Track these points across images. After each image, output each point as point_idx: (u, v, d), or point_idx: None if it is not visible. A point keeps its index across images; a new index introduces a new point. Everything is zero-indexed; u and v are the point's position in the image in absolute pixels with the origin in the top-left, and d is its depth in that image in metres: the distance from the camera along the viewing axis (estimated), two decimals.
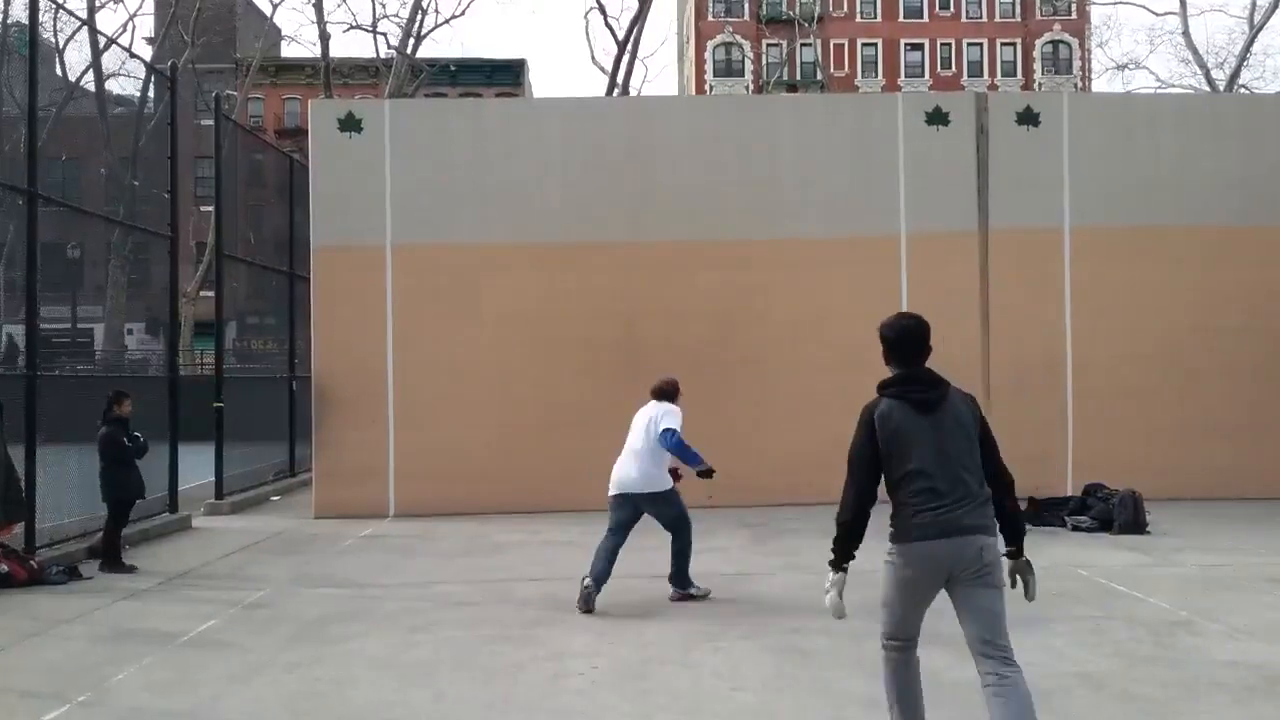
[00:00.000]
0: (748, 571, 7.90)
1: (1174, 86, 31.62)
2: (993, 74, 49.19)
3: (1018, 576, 3.80)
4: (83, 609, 7.04)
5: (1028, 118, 11.88)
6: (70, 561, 8.32)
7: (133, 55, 15.40)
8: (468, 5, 59.42)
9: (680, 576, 7.01)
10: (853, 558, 3.90)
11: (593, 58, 49.42)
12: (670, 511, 6.96)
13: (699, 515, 10.55)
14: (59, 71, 23.80)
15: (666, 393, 7.15)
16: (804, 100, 25.61)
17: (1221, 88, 28.14)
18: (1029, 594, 3.84)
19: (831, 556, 3.93)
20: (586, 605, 6.62)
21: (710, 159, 11.72)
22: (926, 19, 49.54)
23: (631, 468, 6.99)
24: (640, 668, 5.48)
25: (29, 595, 7.46)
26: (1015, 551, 3.82)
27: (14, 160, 9.93)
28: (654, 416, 6.97)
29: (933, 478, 3.69)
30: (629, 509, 6.98)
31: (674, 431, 6.81)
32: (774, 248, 11.54)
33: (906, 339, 4.00)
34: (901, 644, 4.02)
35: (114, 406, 8.52)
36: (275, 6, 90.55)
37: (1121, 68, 38.44)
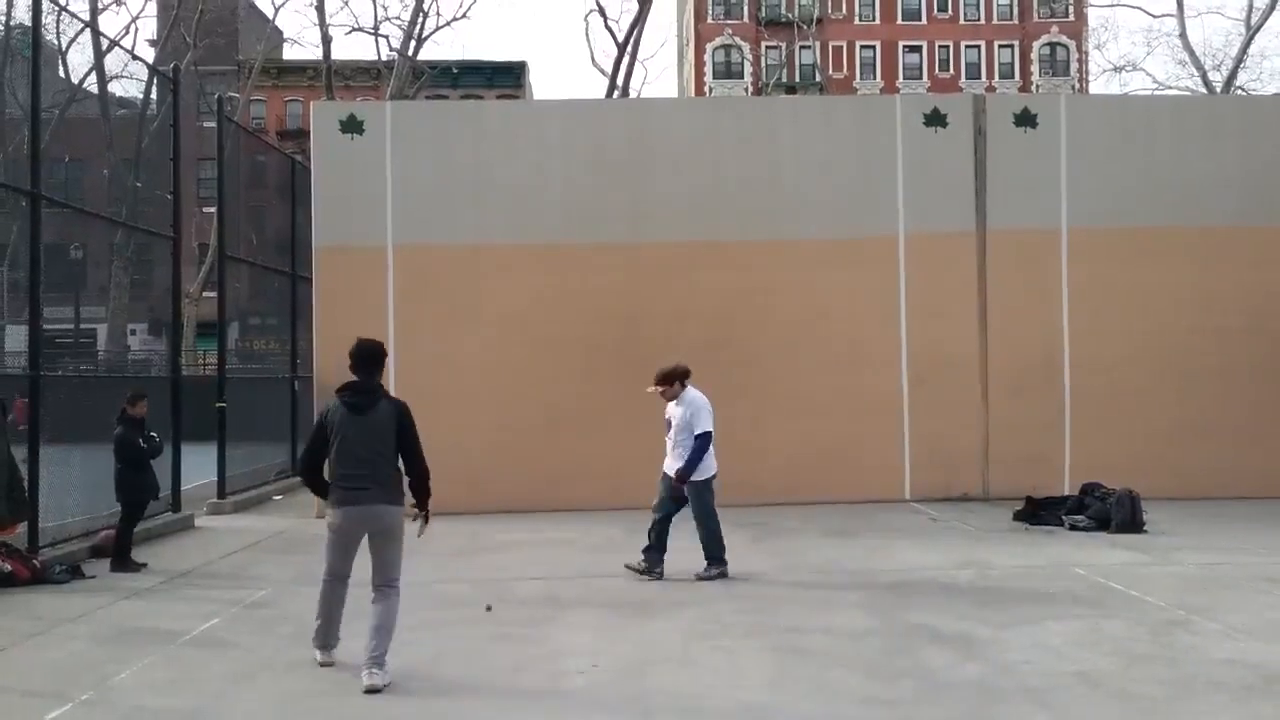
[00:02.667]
0: (747, 571, 7.92)
1: (1171, 88, 31.64)
2: (990, 76, 49.20)
3: None
4: (85, 608, 7.05)
5: (1025, 119, 11.91)
6: (73, 561, 8.34)
7: (135, 57, 15.41)
8: (469, 8, 59.44)
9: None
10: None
11: (593, 60, 49.57)
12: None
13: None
14: (62, 73, 23.85)
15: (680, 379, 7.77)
16: (803, 102, 25.66)
17: (1219, 89, 28.16)
18: None
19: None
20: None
21: (710, 160, 11.75)
22: (925, 21, 49.56)
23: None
24: (640, 666, 5.50)
25: (32, 594, 7.48)
26: None
27: (17, 162, 9.96)
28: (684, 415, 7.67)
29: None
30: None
31: (709, 434, 7.58)
32: (773, 249, 11.57)
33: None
34: None
35: (129, 407, 8.53)
36: (278, 9, 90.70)
37: (1119, 69, 38.32)
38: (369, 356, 5.58)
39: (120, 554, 8.39)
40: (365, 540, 5.40)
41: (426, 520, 5.52)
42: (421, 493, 5.52)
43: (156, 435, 8.70)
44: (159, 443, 8.71)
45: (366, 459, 5.32)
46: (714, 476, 7.70)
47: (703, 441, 7.50)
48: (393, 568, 5.40)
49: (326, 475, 5.45)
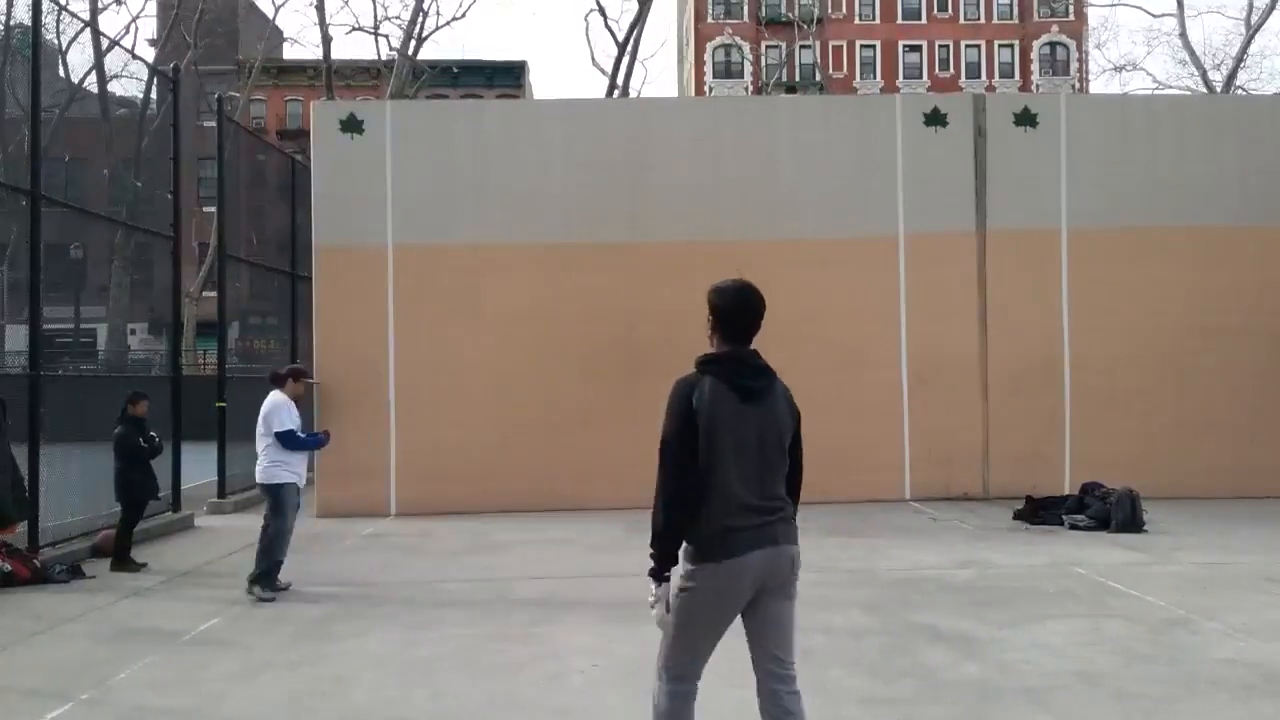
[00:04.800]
0: None
1: (1171, 88, 31.65)
2: (990, 75, 49.19)
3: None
4: (85, 608, 7.06)
5: (1025, 119, 11.92)
6: (73, 560, 8.35)
7: (135, 57, 15.41)
8: (469, 7, 59.38)
9: None
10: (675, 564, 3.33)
11: (593, 60, 49.50)
12: None
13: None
14: (62, 73, 23.85)
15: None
16: (803, 102, 25.63)
17: (1219, 89, 28.16)
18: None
19: (654, 566, 3.29)
20: None
21: (710, 160, 11.76)
22: (925, 21, 49.56)
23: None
24: (641, 666, 5.47)
25: (32, 594, 7.49)
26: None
27: (17, 161, 9.96)
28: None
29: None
30: None
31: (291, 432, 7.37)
32: (773, 248, 11.57)
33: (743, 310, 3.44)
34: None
35: (130, 407, 8.54)
36: (278, 8, 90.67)
37: (1119, 69, 38.39)
38: (756, 309, 3.45)
39: (120, 554, 8.39)
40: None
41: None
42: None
43: (156, 435, 8.71)
44: (159, 443, 8.72)
45: (770, 475, 3.35)
46: None
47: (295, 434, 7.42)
48: (792, 642, 3.54)
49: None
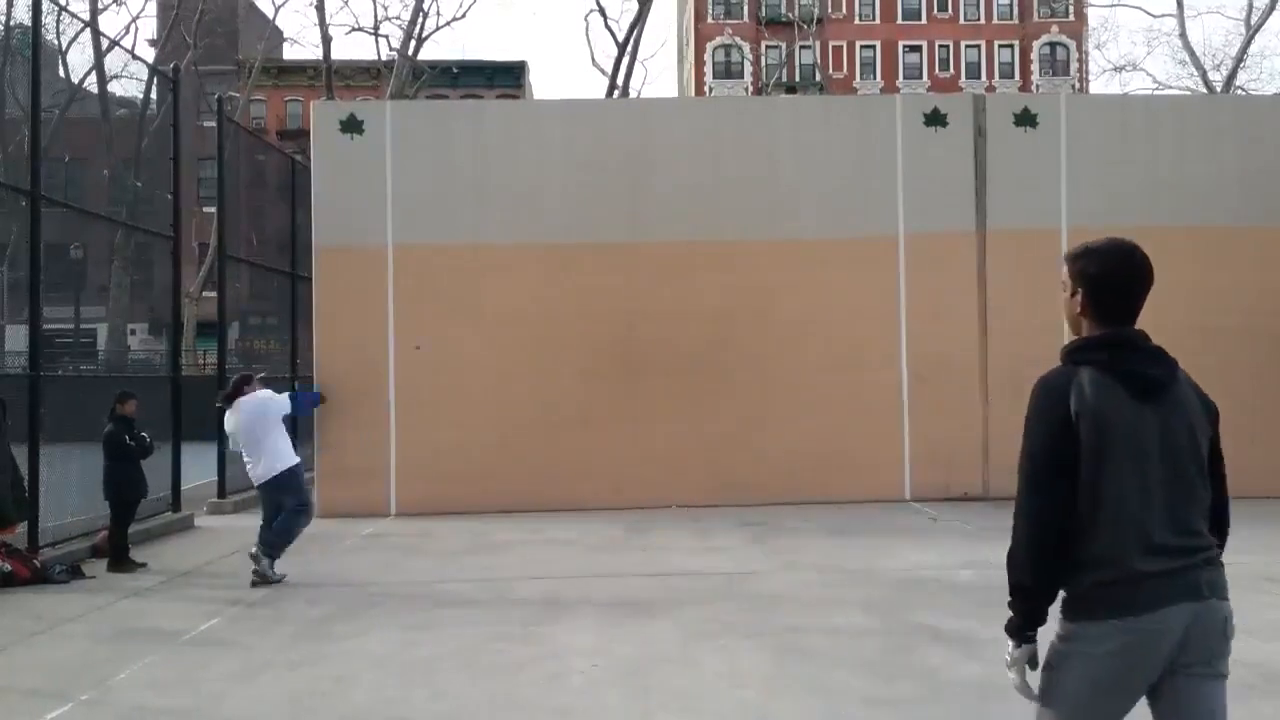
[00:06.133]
0: (748, 570, 7.91)
1: (1171, 88, 31.65)
2: (990, 76, 49.19)
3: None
4: (85, 608, 7.05)
5: (1025, 119, 11.91)
6: (73, 560, 8.34)
7: (135, 57, 15.40)
8: (469, 8, 59.40)
9: None
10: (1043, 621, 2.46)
11: (593, 60, 49.50)
12: None
13: (696, 514, 10.59)
14: (62, 73, 23.86)
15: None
16: (803, 102, 25.67)
17: (1219, 89, 28.16)
18: None
19: (1013, 619, 2.45)
20: None
21: (710, 160, 11.74)
22: (925, 21, 49.57)
23: None
24: (641, 666, 5.48)
25: (32, 594, 7.48)
26: None
27: (17, 161, 9.96)
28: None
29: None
30: None
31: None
32: (773, 248, 11.57)
33: (1128, 279, 2.49)
34: None
35: (118, 406, 8.54)
36: (278, 9, 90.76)
37: (1119, 69, 38.52)
38: (1144, 275, 2.52)
39: (118, 554, 8.39)
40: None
41: None
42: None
43: (147, 434, 8.69)
44: (149, 442, 8.69)
45: (1187, 499, 2.39)
46: None
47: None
48: None
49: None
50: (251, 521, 11.18)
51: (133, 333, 28.40)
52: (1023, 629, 2.45)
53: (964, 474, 11.51)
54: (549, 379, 11.43)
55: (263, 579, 7.55)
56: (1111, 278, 2.52)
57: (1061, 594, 2.41)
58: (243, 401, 7.82)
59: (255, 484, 7.90)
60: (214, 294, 13.56)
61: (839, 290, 11.59)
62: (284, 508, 7.74)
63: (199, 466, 11.99)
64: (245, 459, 7.88)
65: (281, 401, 7.91)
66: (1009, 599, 2.45)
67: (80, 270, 24.49)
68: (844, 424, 11.42)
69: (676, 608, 6.76)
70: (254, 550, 7.65)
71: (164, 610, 7.01)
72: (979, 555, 8.47)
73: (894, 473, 11.51)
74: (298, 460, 7.90)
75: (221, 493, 12.00)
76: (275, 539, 7.66)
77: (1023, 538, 2.39)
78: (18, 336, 9.76)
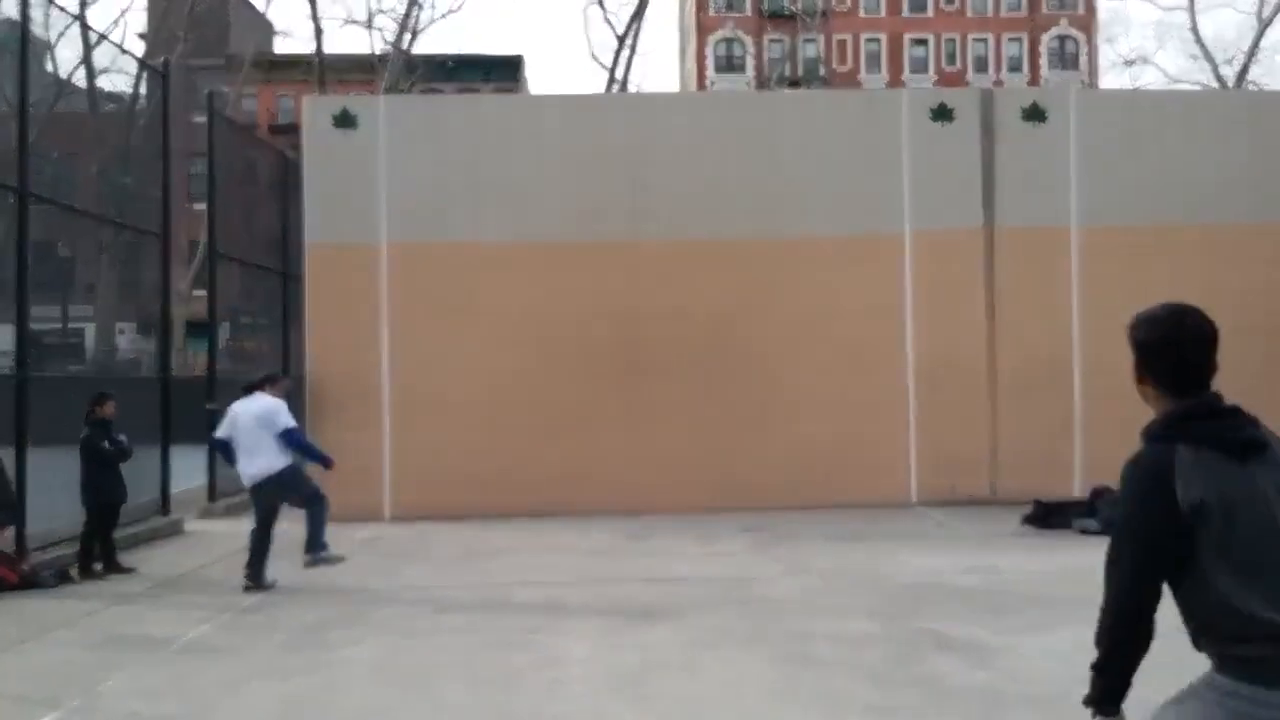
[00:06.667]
0: (749, 576, 7.81)
1: (1182, 83, 31.59)
2: (998, 70, 49.02)
3: None
4: (74, 613, 6.97)
5: (1034, 114, 11.76)
6: (61, 565, 8.23)
7: (124, 51, 15.39)
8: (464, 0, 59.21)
9: None
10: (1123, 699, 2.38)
11: (592, 53, 49.36)
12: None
13: (697, 518, 10.46)
14: (50, 68, 23.67)
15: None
16: (806, 97, 25.52)
17: (1230, 84, 28.07)
18: None
19: (1091, 693, 2.35)
20: None
21: (711, 156, 11.60)
22: (931, 14, 49.37)
23: None
24: (641, 673, 5.40)
25: (20, 599, 7.39)
26: None
27: (4, 158, 9.82)
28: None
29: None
30: None
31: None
32: (775, 246, 11.43)
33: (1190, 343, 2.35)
34: None
35: (95, 409, 8.39)
36: (269, 2, 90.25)
37: (1129, 63, 38.65)
38: (1208, 336, 2.38)
39: (103, 559, 8.27)
40: None
41: None
42: None
43: (125, 438, 8.53)
44: (127, 446, 8.53)
45: None
46: None
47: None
48: None
49: None
50: (242, 526, 11.06)
51: (121, 332, 28.20)
52: (1102, 705, 2.38)
53: (971, 477, 11.33)
54: (547, 380, 11.29)
55: (258, 584, 7.41)
56: (1162, 343, 2.39)
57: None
58: (260, 396, 7.75)
59: (249, 484, 7.76)
60: (204, 293, 13.38)
61: (843, 289, 11.44)
62: (277, 510, 7.66)
63: (188, 470, 11.83)
64: (238, 456, 7.73)
65: (288, 420, 7.70)
66: (1092, 671, 2.38)
67: (68, 269, 24.31)
68: (848, 426, 11.28)
69: (677, 614, 6.65)
70: (306, 559, 7.61)
71: (154, 616, 6.94)
72: (986, 560, 8.36)
73: (899, 475, 11.37)
74: (287, 462, 7.79)
75: (212, 496, 11.83)
76: (315, 530, 7.65)
77: (1109, 624, 2.32)
78: (4, 336, 9.62)
